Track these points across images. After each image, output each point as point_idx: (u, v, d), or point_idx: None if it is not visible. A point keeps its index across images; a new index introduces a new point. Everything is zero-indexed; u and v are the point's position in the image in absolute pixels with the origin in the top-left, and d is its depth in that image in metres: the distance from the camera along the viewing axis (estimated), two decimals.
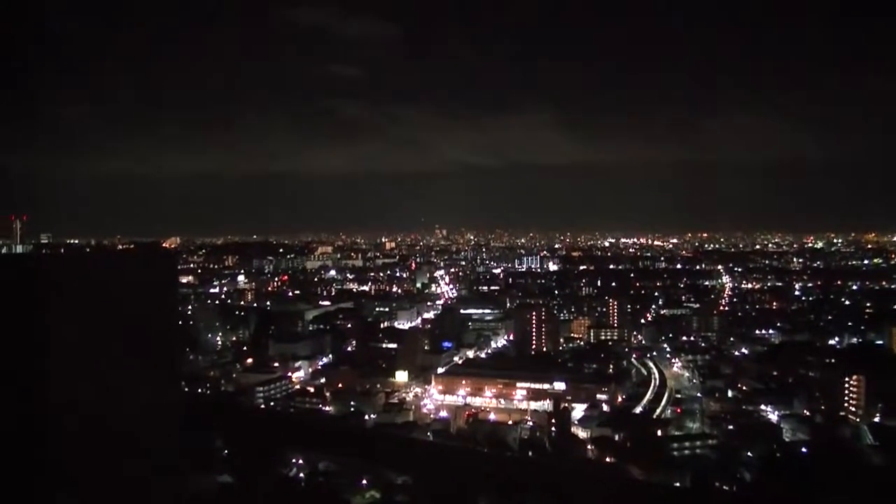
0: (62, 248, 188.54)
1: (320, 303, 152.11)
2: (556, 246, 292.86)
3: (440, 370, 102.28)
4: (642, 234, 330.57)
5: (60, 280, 3.43)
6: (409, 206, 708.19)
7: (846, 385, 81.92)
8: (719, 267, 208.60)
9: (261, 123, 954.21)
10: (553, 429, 75.23)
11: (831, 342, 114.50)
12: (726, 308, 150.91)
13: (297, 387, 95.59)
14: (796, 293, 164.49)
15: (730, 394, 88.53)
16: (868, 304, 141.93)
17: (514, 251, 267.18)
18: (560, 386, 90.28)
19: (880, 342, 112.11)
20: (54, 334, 3.31)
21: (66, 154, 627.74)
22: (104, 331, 3.52)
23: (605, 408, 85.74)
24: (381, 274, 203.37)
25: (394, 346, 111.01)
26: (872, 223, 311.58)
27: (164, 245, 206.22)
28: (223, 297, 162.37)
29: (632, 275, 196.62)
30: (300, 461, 46.81)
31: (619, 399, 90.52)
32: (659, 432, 76.05)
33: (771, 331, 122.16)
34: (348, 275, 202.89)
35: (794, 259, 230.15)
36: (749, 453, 64.95)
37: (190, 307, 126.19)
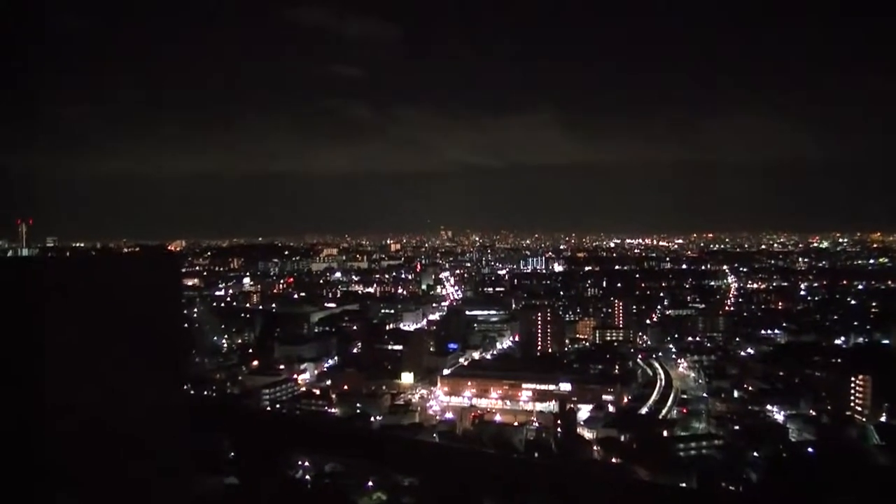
0: (68, 251, 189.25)
1: (326, 305, 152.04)
2: (562, 247, 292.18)
3: (446, 372, 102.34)
4: (647, 235, 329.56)
5: (66, 283, 3.44)
6: (411, 207, 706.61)
7: (852, 385, 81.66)
8: (724, 267, 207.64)
9: (261, 123, 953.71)
10: (559, 430, 75.32)
11: (837, 342, 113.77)
12: (732, 308, 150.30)
13: (303, 389, 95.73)
14: (802, 293, 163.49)
15: (736, 394, 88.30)
16: (874, 304, 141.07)
17: (519, 252, 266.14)
18: (566, 387, 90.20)
19: (886, 342, 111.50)
20: (60, 337, 3.32)
21: (66, 154, 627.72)
22: (109, 334, 3.53)
23: (611, 409, 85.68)
24: (387, 276, 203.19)
25: (399, 347, 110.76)
26: (877, 223, 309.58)
27: (169, 248, 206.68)
28: (229, 299, 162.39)
29: (637, 275, 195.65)
30: (306, 463, 46.73)
31: (625, 400, 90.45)
32: (665, 433, 76.09)
33: (777, 331, 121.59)
34: (354, 277, 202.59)
35: (800, 259, 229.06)
36: (755, 454, 64.85)
37: (196, 310, 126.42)
